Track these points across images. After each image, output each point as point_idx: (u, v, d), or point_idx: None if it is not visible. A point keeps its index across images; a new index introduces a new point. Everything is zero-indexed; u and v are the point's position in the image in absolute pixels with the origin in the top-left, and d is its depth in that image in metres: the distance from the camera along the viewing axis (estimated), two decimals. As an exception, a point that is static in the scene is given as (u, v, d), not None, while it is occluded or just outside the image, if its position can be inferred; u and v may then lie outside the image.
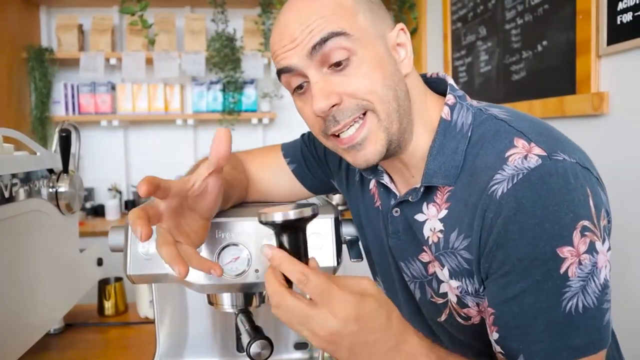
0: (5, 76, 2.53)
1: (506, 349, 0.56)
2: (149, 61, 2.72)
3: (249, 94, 2.86)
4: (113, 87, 2.83)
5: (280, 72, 0.62)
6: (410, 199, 0.65)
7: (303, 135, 0.90)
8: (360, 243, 0.80)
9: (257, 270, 0.70)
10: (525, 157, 0.54)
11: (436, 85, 0.68)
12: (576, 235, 0.51)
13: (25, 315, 0.89)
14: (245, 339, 0.68)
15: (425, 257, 0.66)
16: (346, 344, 0.50)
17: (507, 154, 0.56)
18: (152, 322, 0.87)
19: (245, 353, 0.67)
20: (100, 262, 1.25)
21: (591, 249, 0.52)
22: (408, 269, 0.69)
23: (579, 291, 0.52)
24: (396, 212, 0.68)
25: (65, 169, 1.00)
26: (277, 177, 0.87)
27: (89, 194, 2.87)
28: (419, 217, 0.65)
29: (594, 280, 0.52)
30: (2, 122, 2.47)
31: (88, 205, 2.80)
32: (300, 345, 0.89)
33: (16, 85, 2.64)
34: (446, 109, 0.63)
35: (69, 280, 1.08)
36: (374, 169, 0.71)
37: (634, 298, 1.21)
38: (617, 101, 1.28)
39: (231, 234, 0.68)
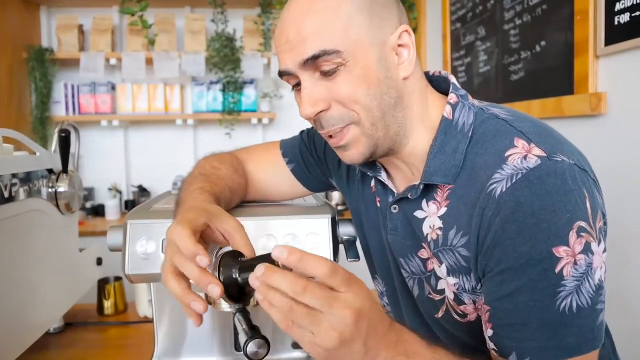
0: (6, 76, 2.54)
1: (499, 346, 0.57)
2: (149, 61, 2.73)
3: (249, 94, 2.86)
4: (113, 88, 2.84)
5: (281, 74, 0.64)
6: (409, 196, 0.65)
7: (302, 132, 0.90)
8: (358, 243, 0.80)
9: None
10: (525, 157, 0.55)
11: (439, 84, 0.69)
12: (572, 236, 0.52)
13: (25, 314, 0.89)
14: (242, 338, 0.69)
15: (424, 253, 0.66)
16: (365, 323, 0.47)
17: (507, 153, 0.56)
18: (152, 321, 0.88)
19: (242, 352, 0.68)
20: (99, 261, 1.25)
21: (587, 250, 0.52)
22: (407, 265, 0.70)
23: (573, 291, 0.52)
24: (395, 209, 0.69)
25: (65, 169, 1.01)
26: (276, 177, 0.88)
27: (90, 194, 2.88)
28: (419, 214, 0.66)
29: (588, 281, 0.53)
30: (3, 123, 2.48)
31: (88, 205, 2.81)
32: (298, 345, 0.89)
33: (17, 86, 2.65)
34: (448, 108, 0.63)
35: (68, 279, 1.08)
36: (372, 166, 0.71)
37: (631, 298, 1.21)
38: (615, 102, 1.29)
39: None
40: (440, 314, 0.67)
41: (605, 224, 0.56)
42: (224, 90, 2.81)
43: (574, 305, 0.53)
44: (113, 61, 2.73)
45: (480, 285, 0.60)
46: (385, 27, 0.61)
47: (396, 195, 0.69)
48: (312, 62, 0.59)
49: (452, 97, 0.64)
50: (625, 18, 1.21)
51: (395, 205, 0.69)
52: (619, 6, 1.22)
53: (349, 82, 0.59)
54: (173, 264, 0.56)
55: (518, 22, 1.73)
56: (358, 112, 0.60)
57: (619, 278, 1.22)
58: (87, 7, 2.85)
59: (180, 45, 2.86)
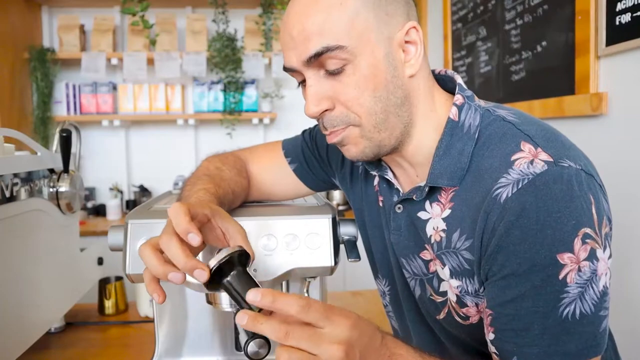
0: (8, 76, 2.54)
1: (501, 350, 0.57)
2: (150, 61, 2.73)
3: (250, 94, 2.86)
4: (114, 87, 2.84)
5: (286, 70, 0.64)
6: (414, 197, 0.65)
7: (304, 132, 0.90)
8: (359, 242, 0.80)
9: (255, 270, 0.70)
10: (532, 162, 0.54)
11: (444, 83, 0.68)
12: (577, 243, 0.52)
13: (26, 313, 0.89)
14: (242, 337, 0.69)
15: (426, 255, 0.66)
16: (357, 351, 0.50)
17: (513, 157, 0.56)
18: (152, 321, 0.88)
19: (242, 352, 0.68)
20: (100, 261, 1.25)
21: (591, 256, 0.52)
22: (409, 266, 0.69)
23: (576, 298, 0.52)
24: (399, 208, 0.69)
25: (66, 169, 1.01)
26: (278, 177, 0.88)
27: (91, 193, 2.88)
28: (422, 215, 0.65)
29: (592, 288, 0.52)
30: (5, 122, 2.48)
31: (89, 204, 2.81)
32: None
33: (18, 86, 2.65)
34: (454, 109, 0.62)
35: (69, 279, 1.08)
36: (377, 164, 0.71)
37: (633, 299, 1.21)
38: (616, 102, 1.29)
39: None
40: (441, 316, 0.67)
41: (610, 229, 0.56)
42: (225, 90, 2.81)
43: (577, 311, 0.52)
44: (114, 61, 2.73)
45: (482, 288, 0.60)
46: (391, 23, 0.59)
47: (401, 194, 0.69)
48: (316, 59, 0.58)
49: (458, 98, 0.63)
50: (626, 18, 1.21)
51: (399, 205, 0.69)
52: (620, 6, 1.22)
53: (355, 83, 0.58)
54: (156, 242, 0.54)
55: (519, 22, 1.73)
56: (360, 115, 0.60)
57: (621, 278, 1.22)
58: (88, 7, 2.86)
59: (181, 45, 2.86)
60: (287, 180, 0.88)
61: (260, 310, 0.52)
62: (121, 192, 2.89)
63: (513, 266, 0.54)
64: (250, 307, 0.52)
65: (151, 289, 0.55)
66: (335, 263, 0.72)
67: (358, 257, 0.77)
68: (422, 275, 0.68)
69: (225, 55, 2.72)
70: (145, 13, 2.58)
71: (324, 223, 0.72)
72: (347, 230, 0.79)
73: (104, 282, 1.26)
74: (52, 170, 1.00)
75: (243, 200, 0.83)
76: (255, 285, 0.54)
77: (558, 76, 1.51)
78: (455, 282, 0.62)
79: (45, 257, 0.96)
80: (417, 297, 0.71)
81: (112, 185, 2.89)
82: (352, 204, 0.83)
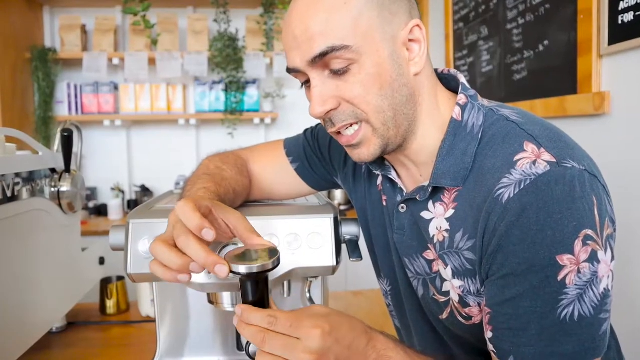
0: (9, 76, 2.54)
1: (498, 348, 0.57)
2: (152, 61, 2.73)
3: (251, 94, 2.86)
4: (116, 87, 2.84)
5: (289, 71, 0.63)
6: (418, 197, 0.65)
7: (306, 131, 0.90)
8: (362, 242, 0.80)
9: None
10: (534, 162, 0.54)
11: (447, 82, 0.68)
12: (578, 244, 0.51)
13: (28, 313, 0.89)
14: (244, 338, 0.69)
15: (429, 254, 0.66)
16: (332, 358, 0.53)
17: (516, 157, 0.56)
18: (154, 321, 0.88)
19: (244, 352, 0.68)
20: (102, 261, 1.25)
21: (592, 258, 0.52)
22: (412, 265, 0.69)
23: (575, 299, 0.52)
24: (402, 208, 0.69)
25: (68, 169, 1.01)
26: (279, 176, 0.87)
27: (92, 193, 2.89)
28: (425, 214, 0.65)
29: (592, 290, 0.52)
30: (7, 122, 2.49)
31: (91, 204, 2.82)
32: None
33: (20, 86, 2.66)
34: (457, 109, 0.62)
35: (71, 279, 1.08)
36: (381, 164, 0.71)
37: (635, 298, 1.21)
38: (619, 101, 1.28)
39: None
40: (444, 315, 0.67)
41: (614, 230, 0.55)
42: (226, 90, 2.81)
43: (576, 313, 0.52)
44: (116, 61, 2.73)
45: (484, 287, 0.60)
46: (395, 22, 0.59)
47: (405, 194, 0.68)
48: (320, 59, 0.57)
49: (461, 98, 0.63)
50: (628, 17, 1.20)
51: (402, 205, 0.68)
52: (622, 5, 1.22)
53: (361, 82, 0.58)
54: (171, 239, 0.55)
55: (521, 21, 1.73)
56: (367, 112, 0.60)
57: (623, 277, 1.22)
58: (89, 7, 2.86)
59: (182, 45, 2.86)
60: (289, 180, 0.87)
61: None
62: (122, 192, 2.89)
63: (512, 266, 0.54)
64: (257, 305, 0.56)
65: (171, 275, 0.54)
66: (337, 263, 0.72)
67: (360, 257, 0.77)
68: (425, 275, 0.67)
69: (227, 55, 2.72)
70: (147, 13, 2.58)
71: (326, 223, 0.72)
72: (349, 230, 0.79)
73: (105, 282, 1.26)
74: (53, 170, 1.00)
75: (245, 199, 0.83)
76: (266, 293, 0.57)
77: (560, 75, 1.50)
78: (457, 282, 0.62)
79: (47, 256, 0.96)
80: (420, 297, 0.71)
81: (113, 185, 2.89)
82: (354, 203, 0.83)
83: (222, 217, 0.60)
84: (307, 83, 0.63)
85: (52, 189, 0.98)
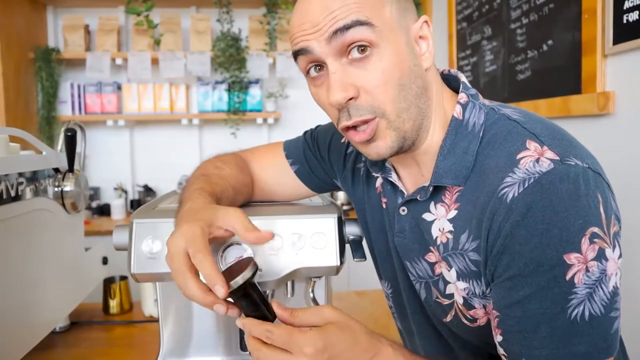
0: (13, 76, 2.55)
1: (509, 352, 0.56)
2: (155, 61, 2.74)
3: (254, 94, 2.86)
4: (119, 87, 2.85)
5: (297, 54, 0.60)
6: (418, 197, 0.64)
7: (306, 133, 0.89)
8: (364, 243, 0.80)
9: (260, 270, 0.70)
10: (537, 160, 0.53)
11: (449, 82, 0.68)
12: (585, 242, 0.51)
13: (31, 313, 0.89)
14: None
15: (431, 257, 0.65)
16: None
17: (519, 156, 0.55)
18: (157, 320, 0.88)
19: (248, 352, 0.68)
20: (105, 260, 1.25)
21: (600, 256, 0.51)
22: (413, 269, 0.69)
23: (585, 298, 0.51)
24: (403, 210, 0.68)
25: (71, 168, 1.01)
26: (280, 178, 0.87)
27: (95, 193, 2.89)
28: (427, 216, 0.64)
29: (602, 288, 0.51)
30: (10, 122, 2.49)
31: (94, 204, 2.82)
32: None
33: (23, 86, 2.67)
34: (458, 108, 0.62)
35: (74, 278, 1.09)
36: (381, 166, 0.71)
37: (638, 298, 1.21)
38: (623, 101, 1.28)
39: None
40: (448, 318, 0.66)
41: (620, 228, 0.54)
42: (229, 90, 2.81)
43: (586, 313, 0.51)
44: (119, 61, 2.74)
45: (489, 289, 0.59)
46: (408, 16, 0.60)
47: (405, 196, 0.68)
48: (342, 35, 0.55)
49: (462, 97, 0.62)
50: (633, 16, 1.20)
51: (403, 207, 0.68)
52: (627, 4, 1.21)
53: (382, 69, 0.57)
54: (187, 262, 0.56)
55: (524, 20, 1.72)
56: (385, 103, 0.58)
57: (627, 277, 1.21)
58: (93, 7, 2.87)
59: (185, 45, 2.87)
60: (289, 182, 0.87)
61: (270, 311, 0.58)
62: (125, 191, 2.89)
63: (519, 266, 0.53)
64: (264, 316, 0.57)
65: (210, 301, 0.56)
66: (341, 263, 0.71)
67: (363, 256, 0.77)
68: (428, 278, 0.67)
69: (230, 55, 2.72)
70: (150, 13, 2.59)
71: (330, 223, 0.72)
72: (353, 229, 0.79)
73: (108, 282, 1.26)
74: (57, 170, 1.00)
75: (247, 197, 0.83)
76: (261, 295, 0.58)
77: (564, 75, 1.50)
78: (462, 284, 0.61)
79: (50, 256, 0.96)
80: (422, 300, 0.70)
81: (116, 185, 2.90)
82: (354, 205, 0.83)
83: (221, 224, 0.60)
84: (314, 72, 0.61)
85: (56, 189, 0.98)
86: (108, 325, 1.20)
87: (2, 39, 2.43)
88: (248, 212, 0.76)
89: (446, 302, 0.65)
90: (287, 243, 0.70)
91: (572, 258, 0.51)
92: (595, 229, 0.51)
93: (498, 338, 0.57)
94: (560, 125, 0.61)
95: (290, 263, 0.69)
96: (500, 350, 0.58)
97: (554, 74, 1.56)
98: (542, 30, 1.62)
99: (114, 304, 1.25)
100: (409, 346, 0.82)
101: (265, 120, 2.93)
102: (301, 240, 0.70)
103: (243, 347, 0.86)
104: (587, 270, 0.51)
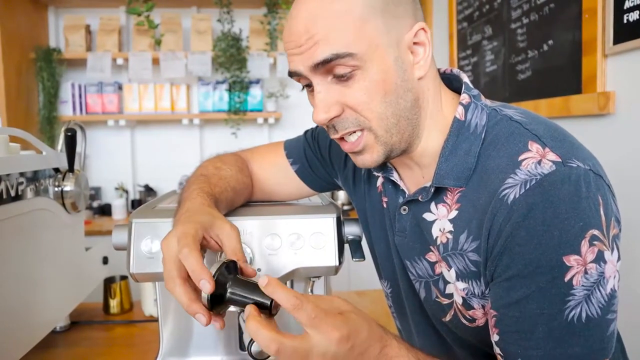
0: (14, 76, 2.56)
1: (505, 351, 0.56)
2: (156, 61, 2.74)
3: (255, 94, 2.87)
4: (120, 87, 2.85)
5: (289, 74, 0.62)
6: (420, 198, 0.64)
7: (306, 132, 0.90)
8: (364, 242, 0.80)
9: (259, 269, 0.70)
10: (539, 162, 0.53)
11: (450, 82, 0.67)
12: (584, 244, 0.51)
13: (31, 312, 0.90)
14: (246, 337, 0.69)
15: (432, 257, 0.65)
16: None
17: (521, 157, 0.55)
18: (157, 320, 0.88)
19: (246, 351, 0.68)
20: (105, 260, 1.26)
21: (599, 259, 0.51)
22: (414, 268, 0.69)
23: (582, 300, 0.51)
24: (404, 210, 0.68)
25: (71, 168, 1.01)
26: (280, 177, 0.87)
27: (96, 193, 2.89)
28: (428, 216, 0.64)
29: (599, 290, 0.52)
30: (11, 122, 2.50)
31: (95, 204, 2.82)
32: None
33: (24, 86, 2.67)
34: (460, 109, 0.62)
35: (74, 278, 1.09)
36: (383, 166, 0.70)
37: (639, 299, 1.20)
38: (624, 101, 1.28)
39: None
40: (447, 318, 0.66)
41: (620, 230, 0.55)
42: (229, 90, 2.81)
43: (583, 314, 0.52)
44: (120, 61, 2.74)
45: (488, 289, 0.59)
46: (399, 26, 0.58)
47: (407, 196, 0.68)
48: (324, 66, 0.57)
49: (464, 97, 0.62)
50: (634, 16, 1.19)
51: (404, 207, 0.68)
52: (627, 4, 1.21)
53: (365, 89, 0.57)
54: (179, 267, 0.56)
55: (525, 20, 1.72)
56: (370, 119, 0.59)
57: (627, 278, 1.21)
58: (94, 7, 2.87)
59: (186, 45, 2.87)
60: (289, 181, 0.87)
61: (271, 309, 0.54)
62: (126, 191, 2.90)
63: (518, 267, 0.53)
64: (260, 306, 0.54)
65: (193, 309, 0.56)
66: (340, 263, 0.72)
67: (362, 256, 0.77)
68: (428, 278, 0.67)
69: (230, 55, 2.72)
70: (151, 13, 2.59)
71: (329, 222, 0.72)
72: (352, 229, 0.79)
73: (108, 282, 1.26)
74: (57, 170, 1.00)
75: (247, 197, 0.83)
76: (252, 284, 0.56)
77: (565, 75, 1.50)
78: (461, 285, 0.61)
79: (50, 256, 0.96)
80: (422, 299, 0.70)
81: (117, 185, 2.90)
82: (355, 204, 0.83)
83: (212, 236, 0.61)
84: (308, 87, 0.62)
85: (56, 189, 0.99)
86: (108, 324, 1.20)
87: (3, 39, 2.44)
88: (247, 212, 0.76)
89: (445, 301, 0.65)
90: (286, 243, 0.70)
91: (571, 260, 0.51)
92: (595, 232, 0.51)
93: (495, 337, 0.58)
94: (561, 125, 0.61)
95: (289, 263, 0.70)
96: (497, 350, 0.58)
97: (554, 73, 1.56)
98: (543, 30, 1.62)
99: (114, 303, 1.25)
100: None
101: (266, 120, 2.93)
102: (300, 240, 0.71)
103: (242, 347, 0.86)
104: (585, 272, 0.51)
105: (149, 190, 2.87)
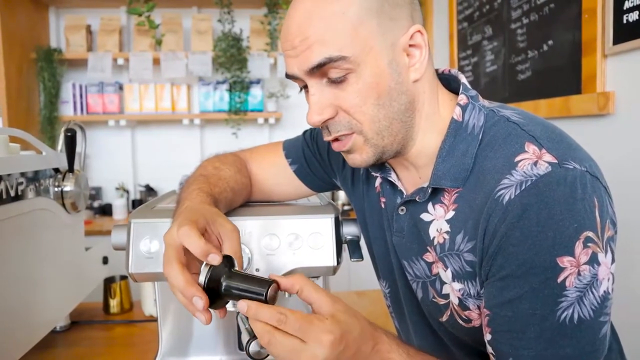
0: (15, 77, 2.56)
1: (497, 351, 0.57)
2: (156, 61, 2.74)
3: (255, 94, 2.87)
4: (120, 87, 2.85)
5: (287, 76, 0.63)
6: (417, 198, 0.65)
7: (305, 132, 0.90)
8: (362, 242, 0.80)
9: (257, 270, 0.70)
10: (535, 163, 0.54)
11: (448, 82, 0.67)
12: (578, 246, 0.51)
13: (32, 312, 0.90)
14: (245, 337, 0.69)
15: (429, 257, 0.66)
16: None
17: (517, 158, 0.55)
18: (157, 320, 0.88)
19: (245, 351, 0.68)
20: (105, 260, 1.26)
21: (592, 261, 0.51)
22: (411, 268, 0.69)
23: (575, 302, 0.51)
24: (402, 210, 0.68)
25: (71, 168, 1.02)
26: (279, 177, 0.87)
27: (97, 193, 2.90)
28: (425, 216, 0.65)
29: (592, 292, 0.52)
30: (12, 122, 2.50)
31: (96, 204, 2.83)
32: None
33: (25, 86, 2.67)
34: (458, 110, 0.62)
35: (74, 278, 1.09)
36: (381, 166, 0.71)
37: (638, 298, 1.20)
38: (623, 101, 1.28)
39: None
40: (444, 318, 0.67)
41: (615, 232, 0.55)
42: (230, 90, 2.82)
43: (575, 316, 0.52)
44: (120, 61, 2.74)
45: (483, 289, 0.60)
46: (395, 28, 0.58)
47: (404, 196, 0.68)
48: (318, 69, 0.57)
49: (462, 98, 0.62)
50: (633, 16, 1.19)
51: (402, 207, 0.68)
52: (627, 4, 1.21)
53: (358, 91, 0.58)
54: (178, 252, 0.56)
55: (525, 21, 1.72)
56: (362, 122, 0.60)
57: (626, 278, 1.21)
58: (94, 8, 2.88)
59: (187, 45, 2.87)
60: (288, 181, 0.87)
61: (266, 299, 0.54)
62: (127, 191, 2.90)
63: (512, 267, 0.53)
64: (260, 299, 0.54)
65: (191, 292, 0.55)
66: (338, 263, 0.72)
67: (361, 257, 0.77)
68: (425, 278, 0.67)
69: (231, 55, 2.73)
70: (151, 13, 2.59)
71: (327, 223, 0.72)
72: (350, 230, 0.79)
73: (108, 281, 1.26)
74: (57, 170, 1.00)
75: (246, 198, 0.83)
76: (251, 278, 0.56)
77: (564, 75, 1.50)
78: (457, 285, 0.62)
79: (50, 256, 0.97)
80: (419, 300, 0.70)
81: (118, 185, 2.90)
82: (353, 205, 0.83)
83: (214, 232, 0.61)
84: (305, 88, 0.63)
85: (56, 189, 0.99)
86: (108, 324, 1.20)
87: (4, 39, 2.44)
88: (246, 212, 0.76)
89: (442, 302, 0.65)
90: (284, 243, 0.70)
91: (565, 261, 0.51)
92: (590, 233, 0.51)
93: (487, 337, 0.58)
94: (560, 125, 0.61)
95: (288, 263, 0.70)
96: (489, 349, 0.58)
97: (554, 74, 1.56)
98: (543, 30, 1.62)
99: (114, 303, 1.26)
100: None
101: (266, 120, 2.93)
102: (298, 240, 0.71)
103: (241, 347, 0.86)
104: (578, 273, 0.51)
105: (149, 190, 2.88)
